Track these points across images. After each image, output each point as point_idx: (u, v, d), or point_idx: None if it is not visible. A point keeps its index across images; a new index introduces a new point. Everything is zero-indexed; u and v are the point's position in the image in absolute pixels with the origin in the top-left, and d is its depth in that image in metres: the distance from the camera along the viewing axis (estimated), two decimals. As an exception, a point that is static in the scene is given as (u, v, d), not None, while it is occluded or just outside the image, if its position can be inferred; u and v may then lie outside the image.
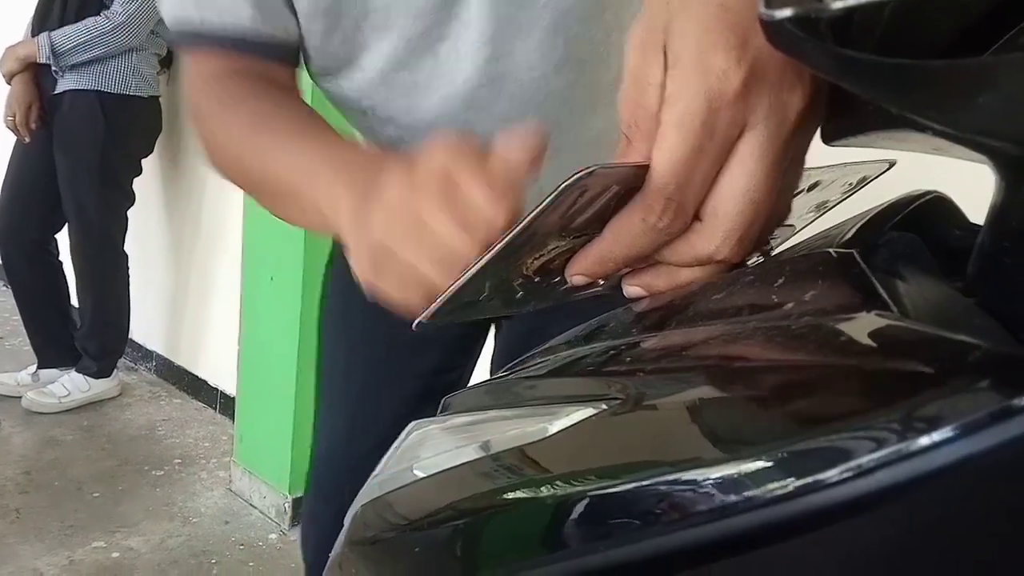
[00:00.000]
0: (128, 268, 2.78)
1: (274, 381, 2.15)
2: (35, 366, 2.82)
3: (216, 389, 2.79)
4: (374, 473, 0.39)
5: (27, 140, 2.54)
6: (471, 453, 0.33)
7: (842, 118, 0.36)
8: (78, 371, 2.77)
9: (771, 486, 0.22)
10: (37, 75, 2.53)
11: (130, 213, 2.73)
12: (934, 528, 0.21)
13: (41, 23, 2.50)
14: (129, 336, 2.89)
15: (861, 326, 0.25)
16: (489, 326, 0.98)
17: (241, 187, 0.69)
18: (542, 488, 0.29)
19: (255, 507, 2.27)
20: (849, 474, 0.21)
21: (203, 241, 2.86)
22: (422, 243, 0.40)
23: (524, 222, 0.34)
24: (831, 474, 0.21)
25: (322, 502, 1.00)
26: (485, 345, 1.02)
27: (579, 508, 0.27)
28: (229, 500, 2.30)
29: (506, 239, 0.35)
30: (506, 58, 0.69)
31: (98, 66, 2.45)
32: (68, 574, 1.95)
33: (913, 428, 0.21)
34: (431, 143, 0.42)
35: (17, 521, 2.12)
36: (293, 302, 2.04)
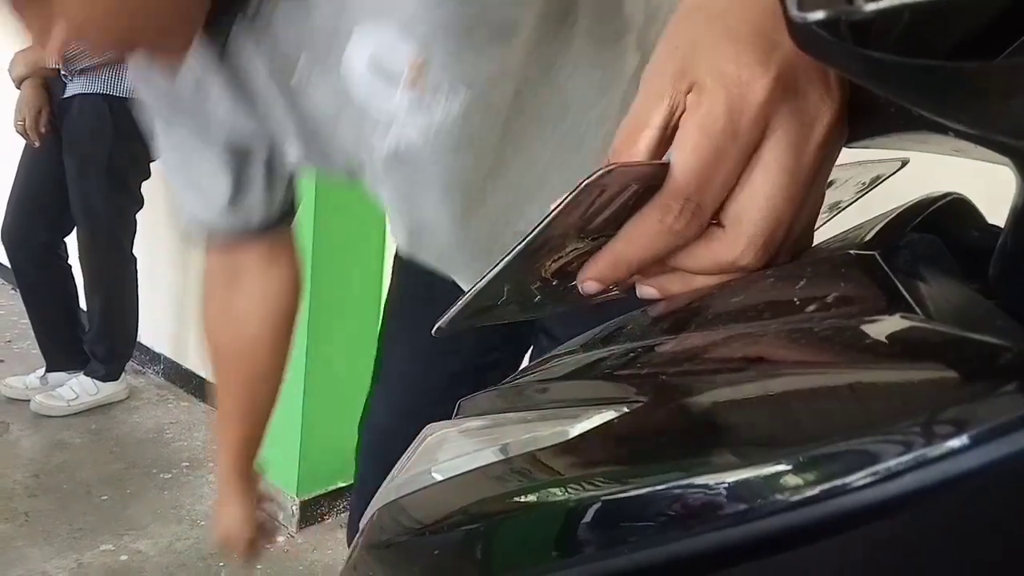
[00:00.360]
0: (136, 271, 2.79)
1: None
2: (44, 369, 2.83)
3: (224, 392, 2.79)
4: (390, 476, 0.39)
5: (37, 145, 2.55)
6: (489, 456, 0.33)
7: (862, 120, 0.35)
8: (86, 374, 2.78)
9: (796, 490, 0.22)
10: (46, 80, 2.54)
11: (138, 216, 2.73)
12: (962, 532, 0.21)
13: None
14: (137, 339, 2.90)
15: (886, 328, 0.25)
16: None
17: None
18: (562, 492, 0.29)
19: (263, 509, 2.27)
20: (876, 478, 0.21)
21: (211, 244, 2.86)
22: None
23: (544, 222, 0.34)
24: (857, 478, 0.21)
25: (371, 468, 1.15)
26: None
27: (600, 512, 0.27)
28: (237, 503, 2.30)
29: (526, 240, 0.34)
30: (417, 212, 0.82)
31: (107, 70, 2.46)
32: (77, 577, 1.95)
33: (941, 431, 0.20)
34: None
35: (26, 524, 2.13)
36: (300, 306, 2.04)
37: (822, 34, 0.26)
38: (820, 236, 0.40)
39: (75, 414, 2.72)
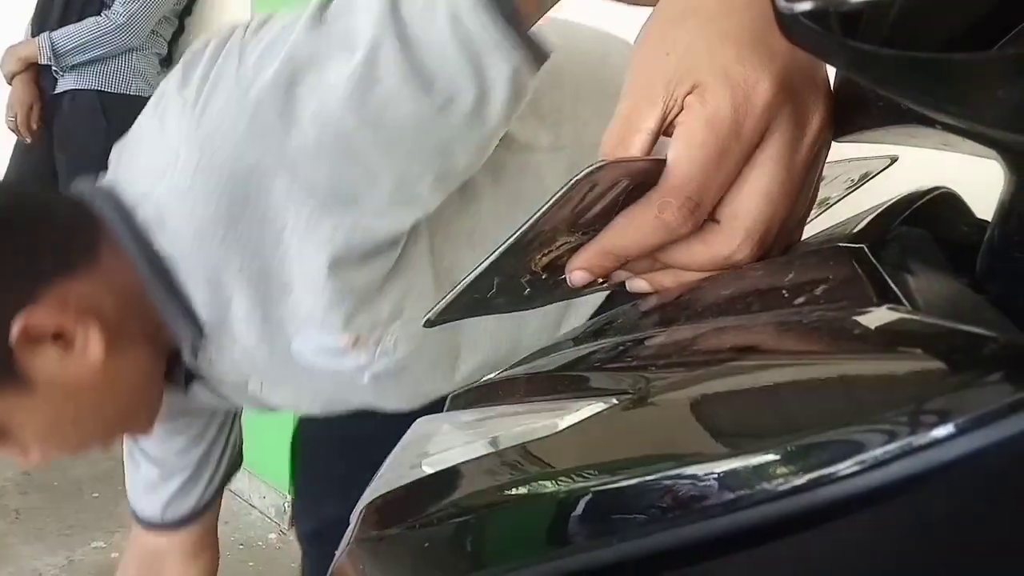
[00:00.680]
0: (128, 268, 2.78)
1: (274, 381, 2.15)
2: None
3: (216, 389, 2.79)
4: (381, 469, 0.39)
5: (28, 141, 2.54)
6: (479, 449, 0.33)
7: (850, 114, 0.36)
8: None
9: (783, 479, 0.22)
10: (38, 75, 2.52)
11: (130, 213, 2.72)
12: (948, 520, 0.21)
13: (41, 23, 2.50)
14: (129, 336, 2.89)
15: (874, 320, 0.25)
16: None
17: None
18: (551, 483, 0.29)
19: (255, 507, 2.27)
20: (863, 466, 0.21)
21: (203, 241, 2.86)
22: None
23: (535, 217, 0.34)
24: (844, 467, 0.21)
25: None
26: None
27: (588, 503, 0.27)
28: (228, 500, 2.30)
29: (517, 233, 0.35)
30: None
31: (99, 66, 2.45)
32: (68, 574, 1.95)
33: (927, 420, 0.21)
34: None
35: (17, 522, 2.12)
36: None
37: (810, 25, 0.26)
38: (810, 231, 0.41)
39: (66, 411, 2.71)
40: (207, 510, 1.02)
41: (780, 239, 0.37)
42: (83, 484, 2.32)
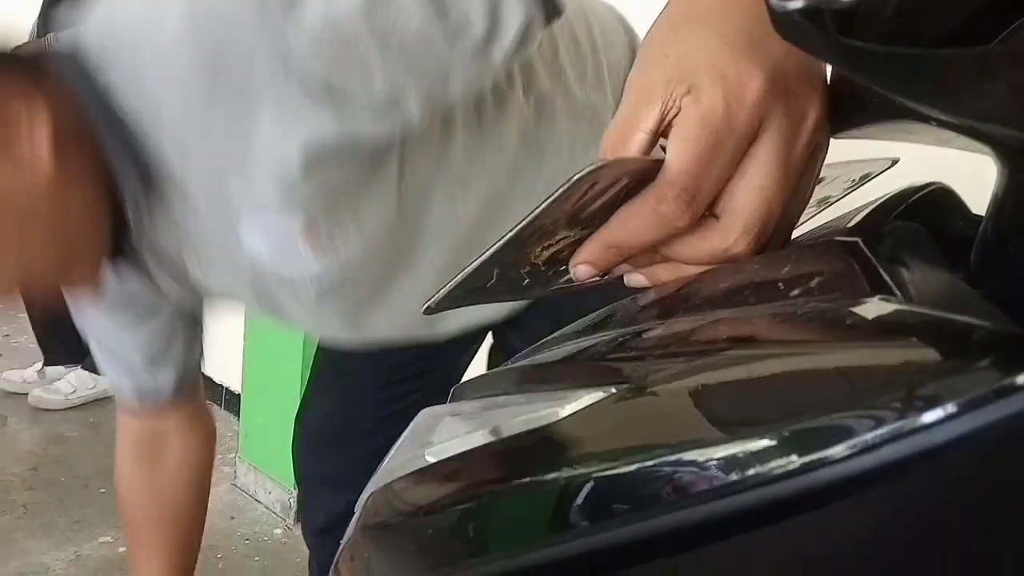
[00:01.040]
0: (134, 265, 2.79)
1: (279, 377, 2.15)
2: (41, 363, 2.83)
3: (221, 386, 2.79)
4: (386, 459, 0.40)
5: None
6: (482, 438, 0.34)
7: (846, 111, 0.36)
8: (84, 368, 2.78)
9: (777, 464, 0.23)
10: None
11: (136, 210, 2.73)
12: (937, 503, 0.22)
13: (45, 25, 2.51)
14: (135, 333, 2.89)
15: (867, 311, 0.26)
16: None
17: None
18: (552, 471, 0.30)
19: (260, 502, 2.28)
20: (853, 451, 0.22)
21: (208, 238, 2.87)
22: None
23: (535, 212, 0.35)
24: (835, 451, 0.22)
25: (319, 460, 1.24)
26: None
27: (588, 489, 0.27)
28: (234, 495, 2.31)
29: (518, 227, 0.35)
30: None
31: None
32: (75, 569, 1.96)
33: (916, 405, 0.21)
34: None
35: (24, 517, 2.13)
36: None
37: (804, 23, 0.27)
38: (808, 228, 0.41)
39: (73, 407, 2.72)
40: (188, 382, 1.03)
41: (778, 234, 0.38)
42: (90, 480, 2.33)
